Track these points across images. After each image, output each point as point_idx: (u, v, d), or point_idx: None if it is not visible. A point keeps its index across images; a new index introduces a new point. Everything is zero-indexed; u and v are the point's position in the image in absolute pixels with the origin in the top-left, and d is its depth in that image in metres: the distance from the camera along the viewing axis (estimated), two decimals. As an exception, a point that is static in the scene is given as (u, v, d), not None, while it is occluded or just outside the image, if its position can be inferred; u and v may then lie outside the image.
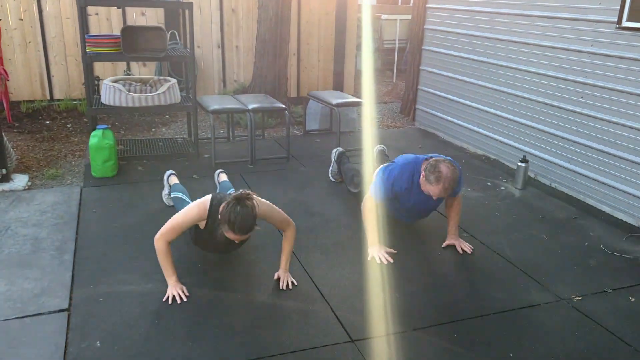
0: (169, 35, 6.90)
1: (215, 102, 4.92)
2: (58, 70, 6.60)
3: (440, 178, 3.02)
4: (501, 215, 3.98)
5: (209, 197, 2.77)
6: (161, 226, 2.76)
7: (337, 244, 3.44)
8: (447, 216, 3.51)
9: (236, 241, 2.67)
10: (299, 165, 4.92)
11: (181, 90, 7.07)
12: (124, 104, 4.65)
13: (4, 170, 4.12)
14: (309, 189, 4.34)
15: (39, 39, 6.44)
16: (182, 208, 2.88)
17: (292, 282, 2.93)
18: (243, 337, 2.49)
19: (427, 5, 6.08)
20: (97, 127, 4.43)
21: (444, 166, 3.04)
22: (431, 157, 3.22)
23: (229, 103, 4.92)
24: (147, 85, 4.99)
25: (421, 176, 3.17)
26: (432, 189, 3.09)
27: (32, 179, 4.35)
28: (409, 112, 7.17)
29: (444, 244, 3.48)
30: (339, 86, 7.94)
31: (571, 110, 4.34)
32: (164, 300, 2.71)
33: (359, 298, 2.85)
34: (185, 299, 2.73)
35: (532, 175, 4.77)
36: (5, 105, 3.98)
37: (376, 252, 3.31)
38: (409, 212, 3.55)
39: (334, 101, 5.24)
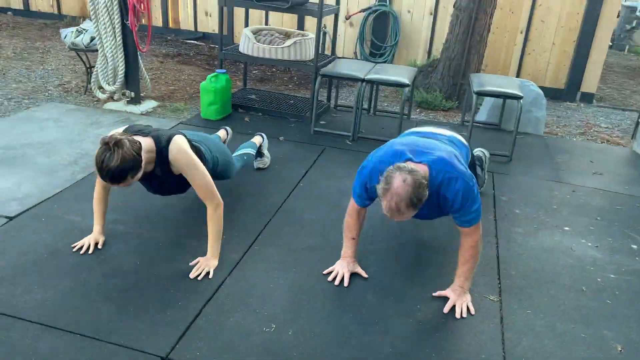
0: (377, -5, 6.53)
1: (338, 66, 4.45)
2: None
3: (386, 193, 2.10)
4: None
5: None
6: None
7: (309, 248, 2.77)
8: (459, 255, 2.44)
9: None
10: (400, 154, 4.11)
11: (380, 54, 6.64)
12: (249, 53, 4.63)
13: (132, 94, 4.62)
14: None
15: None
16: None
17: (208, 273, 2.50)
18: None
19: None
20: (216, 71, 4.54)
21: (398, 178, 2.08)
22: (408, 160, 2.25)
23: (355, 70, 4.37)
24: (288, 38, 4.83)
25: None
26: (382, 204, 2.17)
27: (158, 108, 4.77)
28: (644, 126, 5.21)
29: (437, 293, 2.46)
30: (576, 78, 6.31)
31: None
32: (72, 246, 2.62)
33: (264, 318, 2.25)
34: (91, 251, 2.59)
35: None
36: (135, 34, 4.37)
37: (340, 267, 2.57)
38: None
39: (478, 87, 4.14)
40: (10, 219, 2.82)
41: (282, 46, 4.53)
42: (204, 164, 2.59)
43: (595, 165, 4.20)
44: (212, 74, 4.50)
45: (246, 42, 4.65)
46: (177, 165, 2.43)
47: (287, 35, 4.91)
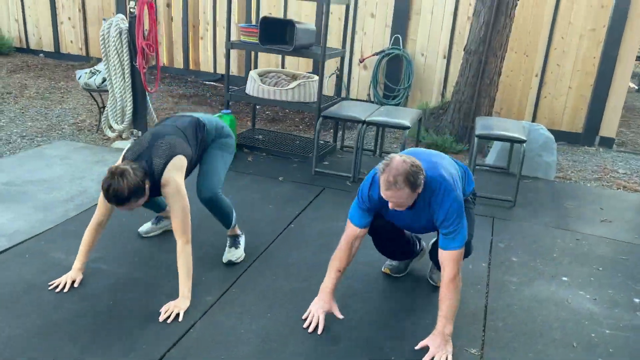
0: (391, 40, 6.58)
1: (341, 108, 4.45)
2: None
3: (386, 168, 2.17)
4: None
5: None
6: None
7: (288, 293, 2.70)
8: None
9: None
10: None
11: (394, 96, 6.62)
12: (254, 94, 4.69)
13: (139, 132, 4.71)
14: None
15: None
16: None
17: (177, 315, 2.46)
18: (48, 341, 2.23)
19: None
20: (222, 111, 4.60)
21: (398, 158, 2.18)
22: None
23: (357, 112, 4.36)
24: (294, 80, 4.89)
25: None
26: (380, 184, 2.21)
27: (165, 147, 4.84)
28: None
29: (419, 345, 2.34)
30: (593, 123, 6.15)
31: None
32: (49, 284, 2.62)
33: (209, 362, 2.18)
34: (66, 289, 2.58)
35: None
36: (143, 75, 4.48)
37: (315, 308, 2.49)
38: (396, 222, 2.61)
39: (481, 131, 4.07)
40: (-5, 254, 2.86)
41: (286, 88, 4.58)
42: (204, 135, 2.78)
43: (605, 212, 4.03)
44: (217, 114, 4.56)
45: (252, 84, 4.72)
46: (164, 193, 2.52)
47: (294, 77, 4.97)
